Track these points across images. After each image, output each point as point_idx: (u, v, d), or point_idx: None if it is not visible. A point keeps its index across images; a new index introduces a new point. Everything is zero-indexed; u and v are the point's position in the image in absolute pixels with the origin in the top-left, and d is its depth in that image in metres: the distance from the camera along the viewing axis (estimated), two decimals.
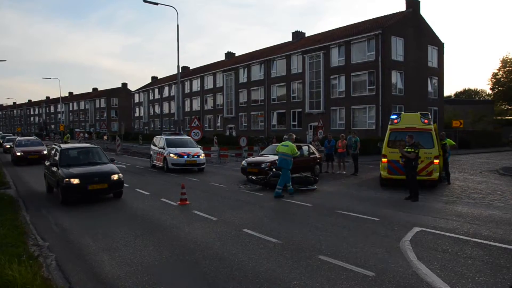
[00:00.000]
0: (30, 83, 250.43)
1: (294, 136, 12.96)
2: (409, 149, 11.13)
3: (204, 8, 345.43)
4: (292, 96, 41.35)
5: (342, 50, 35.85)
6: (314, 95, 38.28)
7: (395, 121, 13.85)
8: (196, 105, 58.41)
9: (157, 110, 68.83)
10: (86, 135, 57.29)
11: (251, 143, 28.81)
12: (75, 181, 10.33)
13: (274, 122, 43.92)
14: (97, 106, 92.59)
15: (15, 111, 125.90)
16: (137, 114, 77.63)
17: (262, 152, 17.98)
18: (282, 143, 12.33)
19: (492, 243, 6.87)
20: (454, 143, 14.40)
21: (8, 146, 31.78)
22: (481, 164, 22.09)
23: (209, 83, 55.39)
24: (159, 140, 20.28)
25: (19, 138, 27.26)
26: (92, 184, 10.57)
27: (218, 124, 53.41)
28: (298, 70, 40.34)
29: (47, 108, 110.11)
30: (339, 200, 11.31)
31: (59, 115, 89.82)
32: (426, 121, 13.42)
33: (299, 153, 12.24)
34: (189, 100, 59.60)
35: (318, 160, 17.47)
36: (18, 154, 22.41)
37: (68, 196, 10.51)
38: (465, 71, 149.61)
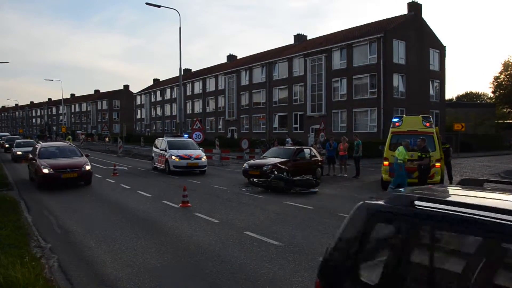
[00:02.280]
0: (32, 85, 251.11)
1: (408, 141, 12.71)
2: (422, 155, 11.03)
3: (206, 11, 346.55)
4: (294, 98, 41.39)
5: (344, 53, 35.91)
6: (316, 98, 38.31)
7: (397, 124, 13.87)
8: (198, 108, 58.49)
9: (159, 112, 68.93)
10: (83, 136, 57.00)
11: (252, 145, 28.84)
12: None
13: (276, 124, 43.95)
14: (99, 108, 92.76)
15: (17, 113, 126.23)
16: (138, 116, 77.77)
17: (263, 155, 18.00)
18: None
19: None
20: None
21: (19, 153, 24.45)
22: (483, 168, 22.06)
23: (211, 86, 55.48)
24: (161, 142, 20.32)
25: (43, 143, 17.54)
26: None
27: (220, 127, 53.47)
28: (300, 73, 40.39)
29: (49, 110, 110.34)
30: (340, 202, 11.31)
31: (61, 117, 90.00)
32: (428, 124, 13.44)
33: (404, 159, 11.75)
34: (191, 102, 59.70)
35: (319, 163, 17.49)
36: (46, 171, 13.41)
37: None
38: (467, 74, 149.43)
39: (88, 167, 14.47)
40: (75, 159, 14.93)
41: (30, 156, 16.36)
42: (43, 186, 13.77)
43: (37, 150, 15.43)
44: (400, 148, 11.95)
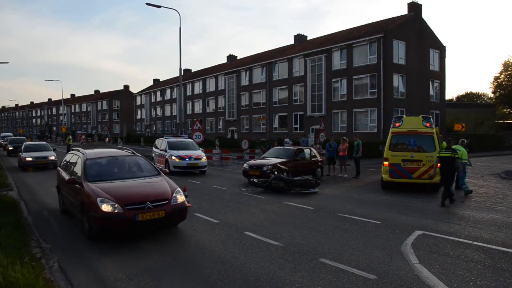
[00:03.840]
0: (32, 85, 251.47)
1: (466, 141, 14.03)
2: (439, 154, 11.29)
3: (207, 11, 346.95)
4: (294, 99, 41.40)
5: (344, 53, 35.93)
6: (316, 98, 38.33)
7: (397, 124, 13.87)
8: (198, 108, 58.51)
9: (159, 112, 68.96)
10: (83, 136, 57.01)
11: (252, 146, 28.84)
12: None
13: (276, 125, 43.96)
14: (99, 108, 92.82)
15: (17, 113, 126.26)
16: (138, 117, 77.81)
17: (264, 155, 18.00)
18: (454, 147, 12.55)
19: (493, 246, 6.87)
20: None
21: (29, 159, 20.19)
22: (483, 168, 22.06)
23: (211, 86, 55.50)
24: (161, 143, 20.31)
25: (87, 151, 8.92)
26: None
27: (220, 127, 53.48)
28: (300, 73, 40.41)
29: (49, 110, 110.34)
30: (340, 203, 11.31)
31: (61, 117, 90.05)
32: (428, 124, 13.44)
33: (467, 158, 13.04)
34: (191, 102, 59.71)
35: (319, 163, 17.49)
36: (108, 209, 6.86)
37: None
38: (467, 74, 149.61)
39: (181, 198, 7.71)
40: (150, 180, 8.17)
41: (65, 176, 8.98)
42: (101, 235, 7.23)
43: (80, 164, 8.40)
44: (461, 148, 12.78)
